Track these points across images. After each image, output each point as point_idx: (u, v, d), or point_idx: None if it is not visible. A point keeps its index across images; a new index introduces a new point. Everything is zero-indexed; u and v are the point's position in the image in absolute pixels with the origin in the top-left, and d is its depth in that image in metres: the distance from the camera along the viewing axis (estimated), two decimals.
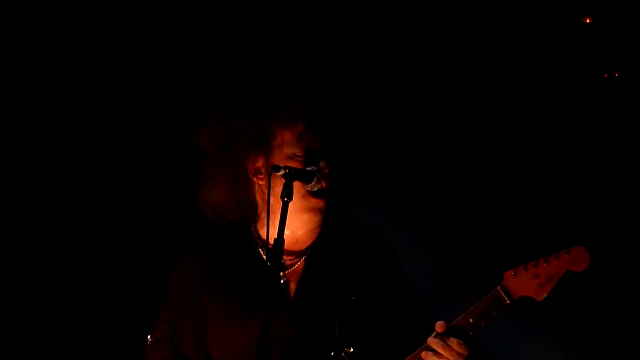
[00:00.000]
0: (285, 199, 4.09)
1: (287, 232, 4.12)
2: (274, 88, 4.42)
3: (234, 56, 6.35)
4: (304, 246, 4.41)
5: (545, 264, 4.15)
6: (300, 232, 4.38)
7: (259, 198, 4.40)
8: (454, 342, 4.10)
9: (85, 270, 6.33)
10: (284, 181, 4.13)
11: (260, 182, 4.37)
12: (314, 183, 4.26)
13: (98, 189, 6.36)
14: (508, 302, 4.14)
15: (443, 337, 4.12)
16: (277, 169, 4.15)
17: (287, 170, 4.15)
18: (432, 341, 4.13)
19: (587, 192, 6.46)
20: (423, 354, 4.15)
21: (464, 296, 4.51)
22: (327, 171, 4.31)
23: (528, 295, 4.15)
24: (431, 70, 6.58)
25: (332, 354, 4.27)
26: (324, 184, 4.29)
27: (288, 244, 4.19)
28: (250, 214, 4.44)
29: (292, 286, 4.37)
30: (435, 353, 4.12)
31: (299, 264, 4.39)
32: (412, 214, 6.50)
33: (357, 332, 4.32)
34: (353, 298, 4.34)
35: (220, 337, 4.34)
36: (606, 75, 6.47)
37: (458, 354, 4.11)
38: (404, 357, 4.21)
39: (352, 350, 4.27)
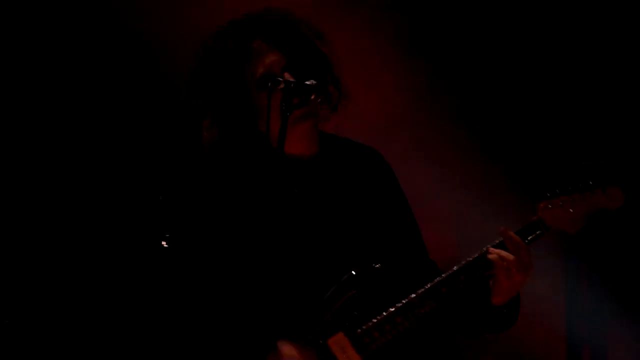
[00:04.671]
0: (287, 113, 4.12)
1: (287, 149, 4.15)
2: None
3: None
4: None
5: (581, 200, 4.21)
6: (298, 146, 4.34)
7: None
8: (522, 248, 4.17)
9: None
10: (281, 95, 4.15)
11: (258, 98, 4.33)
12: (313, 96, 4.24)
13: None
14: (543, 232, 4.21)
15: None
16: (277, 82, 4.18)
17: (286, 84, 4.17)
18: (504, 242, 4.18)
19: (622, 128, 6.44)
20: (490, 248, 4.18)
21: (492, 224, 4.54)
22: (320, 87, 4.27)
23: (562, 228, 4.23)
24: None
25: (353, 272, 4.24)
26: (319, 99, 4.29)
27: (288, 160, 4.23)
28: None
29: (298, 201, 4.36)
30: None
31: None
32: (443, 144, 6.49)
33: (377, 249, 4.33)
34: (369, 214, 4.35)
35: (231, 253, 4.34)
36: None
37: (524, 263, 4.17)
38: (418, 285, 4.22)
39: (379, 266, 4.28)
